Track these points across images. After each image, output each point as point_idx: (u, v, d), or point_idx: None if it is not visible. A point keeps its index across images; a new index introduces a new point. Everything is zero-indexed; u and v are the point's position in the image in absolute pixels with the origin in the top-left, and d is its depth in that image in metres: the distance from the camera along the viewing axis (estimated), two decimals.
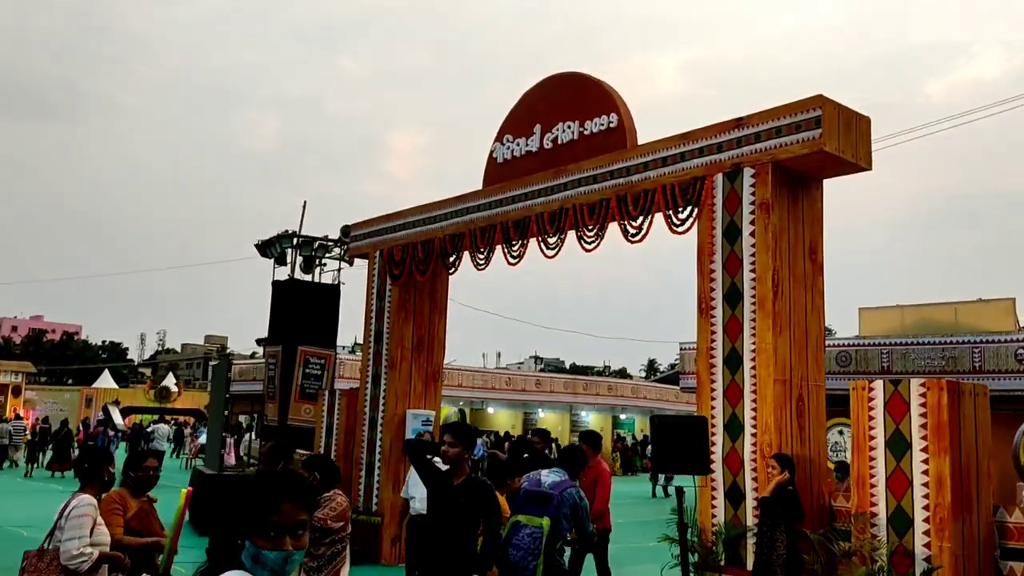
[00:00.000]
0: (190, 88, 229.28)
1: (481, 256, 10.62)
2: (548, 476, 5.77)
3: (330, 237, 19.71)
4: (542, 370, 62.84)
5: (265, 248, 19.71)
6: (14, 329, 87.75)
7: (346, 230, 19.36)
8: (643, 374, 79.49)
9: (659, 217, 8.60)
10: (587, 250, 9.23)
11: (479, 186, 10.79)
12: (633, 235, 8.77)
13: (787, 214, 7.77)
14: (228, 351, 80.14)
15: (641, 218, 8.70)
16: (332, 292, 19.08)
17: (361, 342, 39.17)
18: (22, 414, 40.26)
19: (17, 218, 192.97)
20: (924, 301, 21.26)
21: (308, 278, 19.15)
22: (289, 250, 19.38)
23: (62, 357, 72.55)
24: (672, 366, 79.17)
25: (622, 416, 39.56)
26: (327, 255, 19.72)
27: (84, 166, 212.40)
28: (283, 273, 19.29)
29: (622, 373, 78.15)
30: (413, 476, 7.73)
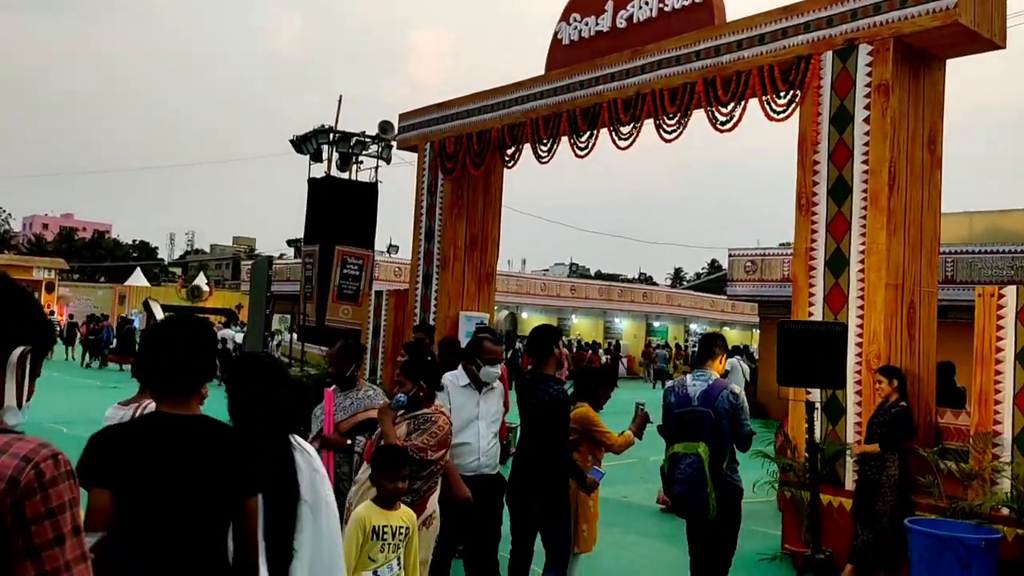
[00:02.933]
0: None
1: (544, 148, 9.79)
2: (693, 384, 4.98)
3: (367, 133, 18.92)
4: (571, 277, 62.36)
5: (301, 144, 18.94)
6: (45, 227, 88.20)
7: (384, 126, 18.56)
8: (668, 283, 78.85)
9: (753, 103, 7.73)
10: (667, 140, 8.39)
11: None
12: (723, 123, 7.91)
13: (907, 98, 6.86)
14: (256, 252, 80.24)
15: (732, 104, 7.82)
16: (369, 191, 18.39)
17: (396, 244, 38.38)
18: (56, 311, 40.57)
19: (45, 115, 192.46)
20: (995, 208, 20.12)
21: (344, 176, 18.46)
22: (325, 147, 18.62)
23: (93, 255, 72.92)
24: (698, 275, 78.37)
25: (655, 324, 39.06)
26: (364, 152, 18.95)
27: (110, 64, 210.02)
28: (319, 171, 18.62)
29: (648, 282, 77.49)
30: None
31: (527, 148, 10.07)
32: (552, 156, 9.76)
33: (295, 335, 17.92)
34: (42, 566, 1.25)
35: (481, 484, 4.80)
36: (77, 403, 14.31)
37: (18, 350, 1.42)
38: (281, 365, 3.08)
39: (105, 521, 2.06)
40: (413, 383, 4.29)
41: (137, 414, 3.50)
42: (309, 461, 2.89)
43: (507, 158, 10.42)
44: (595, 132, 9.24)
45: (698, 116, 8.19)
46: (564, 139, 9.55)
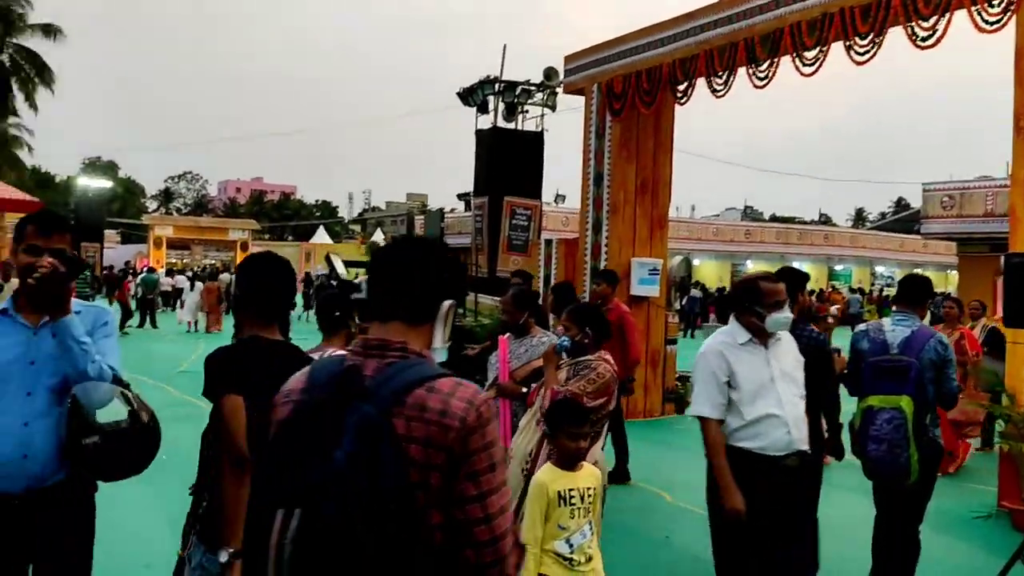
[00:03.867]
0: None
1: (719, 81, 9.24)
2: (892, 329, 4.38)
3: (532, 81, 18.73)
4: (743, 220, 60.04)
5: (467, 96, 19.03)
6: (238, 190, 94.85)
7: (549, 73, 18.29)
8: (849, 225, 74.37)
9: (959, 16, 6.89)
10: (859, 62, 7.66)
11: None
12: (923, 39, 7.12)
13: None
14: (427, 207, 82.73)
15: (935, 17, 7.01)
16: (535, 140, 18.26)
17: (563, 193, 38.30)
18: None
19: (236, 83, 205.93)
20: None
21: (511, 126, 18.41)
22: (491, 97, 18.62)
23: (281, 216, 77.73)
24: (883, 215, 73.39)
25: (838, 268, 36.99)
26: (529, 101, 18.80)
27: (262, 27, 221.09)
28: (485, 123, 18.67)
29: (828, 224, 73.47)
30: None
31: (700, 82, 9.55)
32: (728, 89, 9.20)
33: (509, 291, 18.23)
34: (480, 487, 1.59)
35: (797, 466, 3.79)
36: None
37: (447, 303, 1.76)
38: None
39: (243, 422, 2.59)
40: (579, 329, 4.10)
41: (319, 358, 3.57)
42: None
43: (679, 94, 9.93)
44: (775, 60, 8.61)
45: (892, 34, 7.42)
46: (741, 70, 8.98)
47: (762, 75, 8.74)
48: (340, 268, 10.80)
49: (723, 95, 9.26)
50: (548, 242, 12.52)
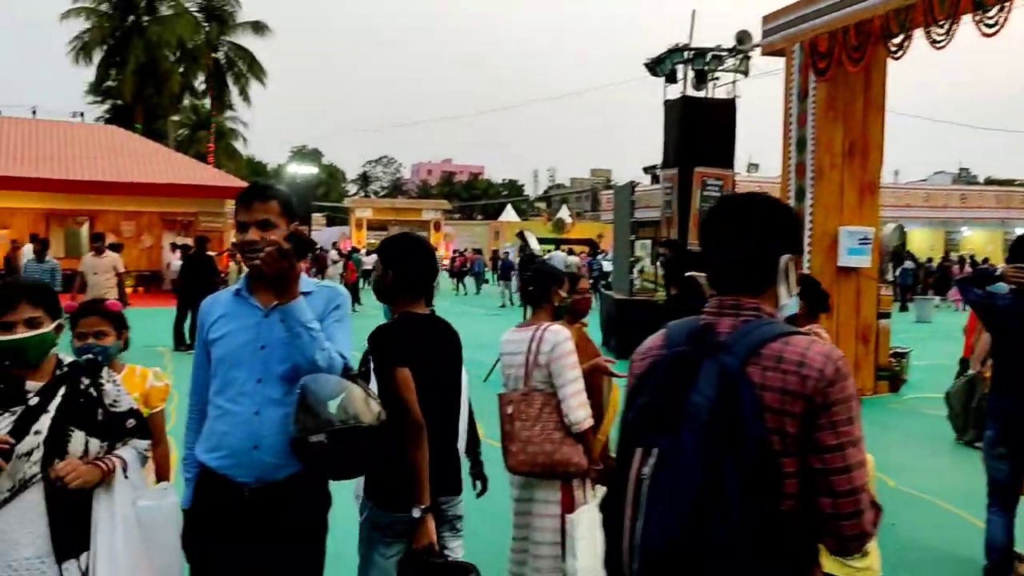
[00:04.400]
0: None
1: (940, 31, 8.45)
2: None
3: (722, 47, 18.04)
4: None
5: (655, 66, 18.63)
6: (429, 172, 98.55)
7: (741, 36, 17.50)
8: None
9: None
10: None
11: None
12: None
13: None
14: (612, 182, 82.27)
15: None
16: (727, 108, 17.58)
17: (755, 162, 37.02)
18: (442, 246, 45.24)
19: (424, 67, 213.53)
20: None
21: (701, 94, 17.84)
22: (680, 66, 18.12)
23: (470, 196, 79.99)
24: None
25: None
26: (720, 68, 18.13)
27: (453, 15, 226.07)
28: (674, 92, 18.19)
29: None
30: None
31: (917, 34, 8.78)
32: (950, 39, 8.39)
33: (657, 261, 17.94)
34: (839, 437, 1.62)
35: None
36: (470, 329, 15.65)
37: (784, 259, 1.78)
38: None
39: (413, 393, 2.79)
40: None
41: (539, 335, 3.56)
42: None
43: (893, 48, 9.18)
44: (1005, 4, 7.75)
45: None
46: (964, 18, 8.16)
47: (991, 22, 7.90)
48: (534, 244, 10.95)
49: (943, 46, 8.46)
50: None
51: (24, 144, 25.23)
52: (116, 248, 14.06)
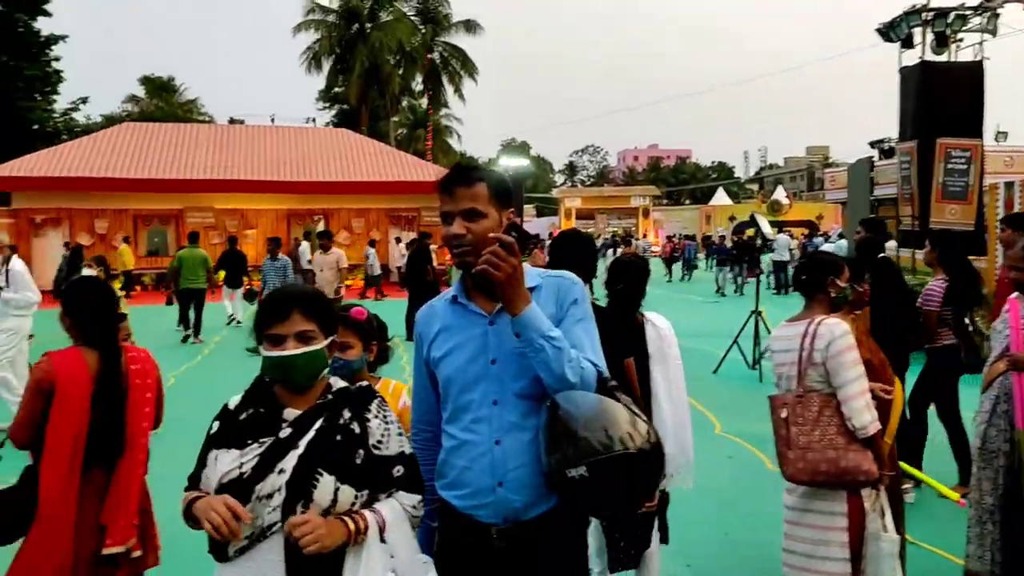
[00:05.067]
0: None
1: None
2: None
3: (966, 4, 16.38)
4: None
5: (888, 31, 17.26)
6: (635, 159, 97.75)
7: None
8: None
9: None
10: None
11: None
12: None
13: None
14: (830, 160, 77.62)
15: None
16: (973, 72, 15.94)
17: (1004, 130, 33.38)
18: (651, 232, 44.65)
19: (628, 52, 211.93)
20: None
21: (941, 59, 16.31)
22: (917, 29, 16.67)
23: (677, 180, 78.49)
24: None
25: None
26: (963, 28, 16.50)
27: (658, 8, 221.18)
28: (911, 58, 16.75)
29: None
30: None
31: None
32: None
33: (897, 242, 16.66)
34: None
35: None
36: (688, 317, 15.27)
37: None
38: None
39: None
40: None
41: (812, 329, 3.27)
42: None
43: None
44: None
45: None
46: None
47: None
48: (766, 228, 10.45)
49: None
50: (1008, 184, 10.82)
51: (265, 149, 27.59)
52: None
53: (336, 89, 45.37)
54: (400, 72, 42.95)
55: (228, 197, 25.65)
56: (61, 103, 36.26)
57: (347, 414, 2.11)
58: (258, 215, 26.04)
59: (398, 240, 24.79)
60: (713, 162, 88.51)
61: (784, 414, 3.25)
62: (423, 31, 43.71)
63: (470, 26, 43.34)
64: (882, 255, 5.93)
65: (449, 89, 44.50)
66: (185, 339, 13.89)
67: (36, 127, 32.34)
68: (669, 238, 34.78)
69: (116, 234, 24.34)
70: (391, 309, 15.00)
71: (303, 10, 41.66)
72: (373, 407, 2.16)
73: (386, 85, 41.41)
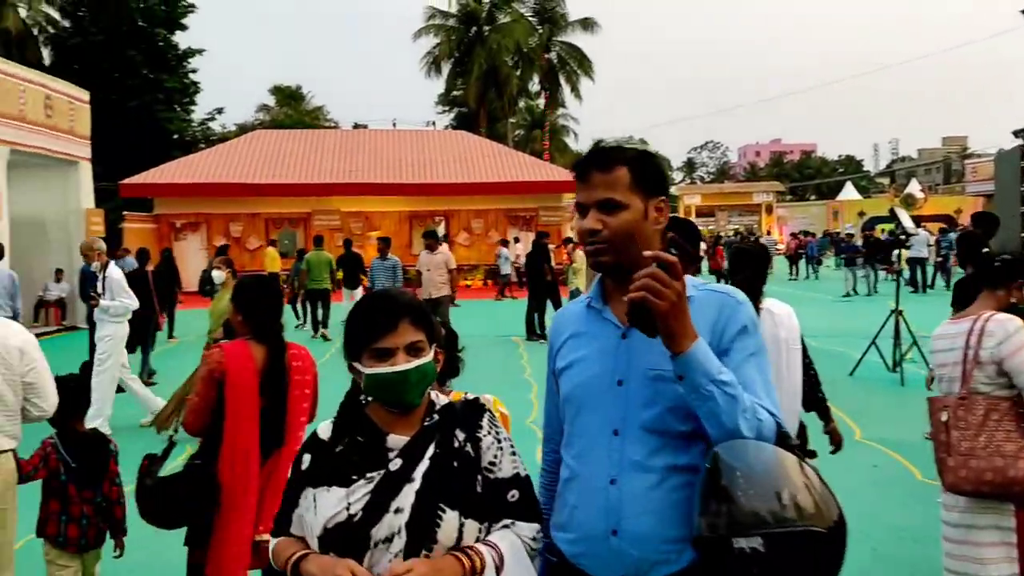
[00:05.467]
0: None
1: None
2: None
3: None
4: None
5: None
6: (757, 154, 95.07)
7: None
8: None
9: None
10: None
11: None
12: None
13: None
14: (968, 150, 73.20)
15: None
16: None
17: None
18: (775, 229, 43.27)
19: (743, 52, 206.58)
20: None
21: None
22: None
23: (802, 175, 75.80)
24: None
25: None
26: None
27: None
28: None
29: None
30: None
31: None
32: None
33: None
34: None
35: None
36: (818, 317, 14.66)
37: None
38: None
39: None
40: None
41: (979, 326, 3.01)
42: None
43: None
44: None
45: None
46: None
47: None
48: (907, 222, 9.85)
49: None
50: None
51: (388, 153, 28.27)
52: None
53: (455, 92, 46.06)
54: (517, 73, 43.21)
55: (353, 200, 26.42)
56: (198, 113, 38.33)
57: (460, 435, 1.82)
58: (382, 217, 26.70)
59: (516, 240, 24.95)
60: (840, 156, 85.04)
61: (944, 417, 3.01)
62: (540, 31, 43.82)
63: (587, 24, 43.16)
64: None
65: (566, 88, 44.47)
66: (315, 333, 14.92)
67: (175, 136, 34.22)
68: (794, 235, 33.67)
69: (249, 237, 25.50)
70: (510, 308, 15.11)
71: (423, 16, 42.55)
72: (484, 423, 1.87)
73: (504, 87, 41.73)
